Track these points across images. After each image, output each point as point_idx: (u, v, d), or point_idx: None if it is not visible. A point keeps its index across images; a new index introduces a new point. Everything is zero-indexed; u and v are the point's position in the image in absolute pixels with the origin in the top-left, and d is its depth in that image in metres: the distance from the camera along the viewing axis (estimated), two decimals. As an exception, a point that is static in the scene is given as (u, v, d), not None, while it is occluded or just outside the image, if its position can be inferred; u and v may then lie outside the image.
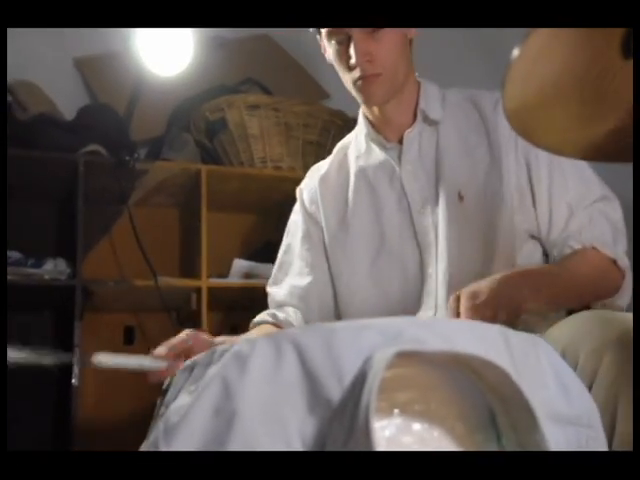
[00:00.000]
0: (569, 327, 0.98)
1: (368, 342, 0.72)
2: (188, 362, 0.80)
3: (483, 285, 1.08)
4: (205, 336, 1.16)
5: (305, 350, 0.72)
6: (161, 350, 1.10)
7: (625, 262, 1.26)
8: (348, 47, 1.25)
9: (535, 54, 0.62)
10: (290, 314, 1.39)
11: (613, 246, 1.26)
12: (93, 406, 2.03)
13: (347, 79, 1.29)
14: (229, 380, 0.72)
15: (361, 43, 1.24)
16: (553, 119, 0.74)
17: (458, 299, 1.07)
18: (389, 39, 1.25)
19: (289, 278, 1.44)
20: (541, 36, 0.60)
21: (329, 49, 1.31)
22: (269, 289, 1.48)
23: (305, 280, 1.41)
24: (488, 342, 0.77)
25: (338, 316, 1.43)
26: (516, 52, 0.62)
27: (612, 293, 1.24)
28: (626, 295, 1.27)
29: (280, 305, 1.43)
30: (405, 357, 0.69)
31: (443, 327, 0.76)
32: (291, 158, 2.20)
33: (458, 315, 1.05)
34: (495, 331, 0.81)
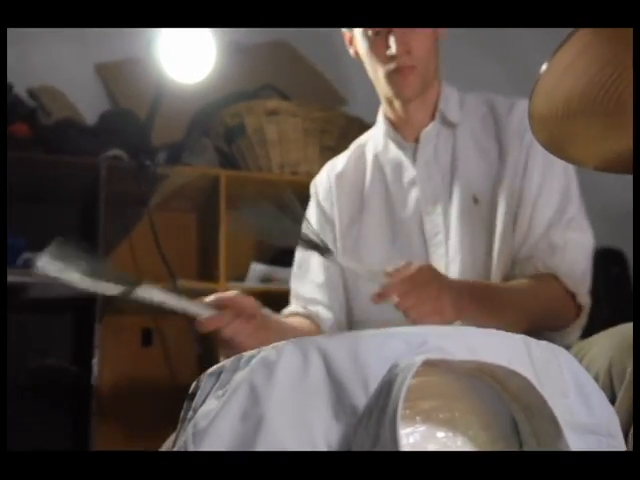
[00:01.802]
0: (614, 339, 0.97)
1: (393, 350, 0.73)
2: (214, 368, 0.81)
3: (440, 275, 1.13)
4: (252, 300, 1.17)
5: (331, 357, 0.74)
6: (212, 299, 1.10)
7: (585, 300, 1.26)
8: (386, 38, 1.26)
9: (562, 69, 0.63)
10: (320, 310, 1.39)
11: (579, 281, 1.25)
12: (111, 407, 2.05)
13: (380, 71, 1.30)
14: (256, 385, 0.74)
15: (401, 34, 1.25)
16: (578, 131, 0.75)
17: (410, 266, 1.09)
18: (425, 34, 1.28)
19: (310, 275, 1.45)
20: (568, 52, 0.62)
21: (362, 41, 1.31)
22: (292, 285, 1.48)
23: (321, 277, 1.42)
24: (511, 351, 0.78)
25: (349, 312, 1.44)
26: (544, 67, 0.64)
27: (562, 327, 1.25)
28: (575, 332, 1.28)
29: (308, 301, 1.43)
30: (429, 366, 0.71)
31: (466, 336, 0.77)
32: (308, 164, 2.22)
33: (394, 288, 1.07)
34: (518, 340, 0.82)
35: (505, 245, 1.28)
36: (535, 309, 1.20)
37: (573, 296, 1.24)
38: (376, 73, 1.32)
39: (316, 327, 1.37)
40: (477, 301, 1.12)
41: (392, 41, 1.25)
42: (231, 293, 1.13)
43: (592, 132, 0.72)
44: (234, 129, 2.20)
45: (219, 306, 1.09)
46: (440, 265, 1.29)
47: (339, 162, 1.50)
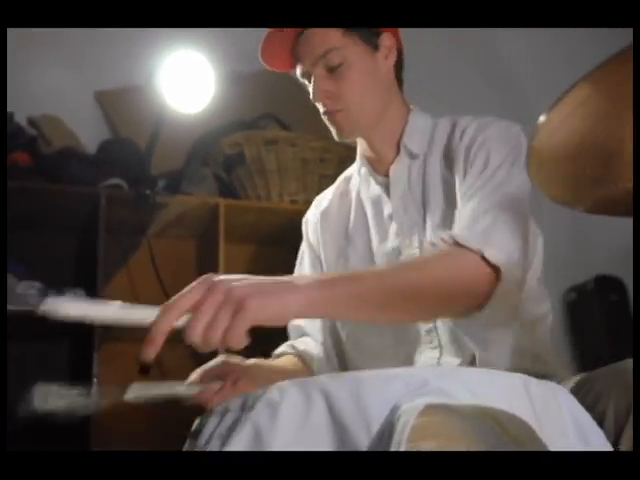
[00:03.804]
0: (615, 379, 0.98)
1: (394, 392, 0.74)
2: (219, 407, 0.82)
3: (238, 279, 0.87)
4: (236, 360, 1.19)
5: (334, 398, 0.75)
6: (194, 376, 1.13)
7: (497, 257, 1.03)
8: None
9: (559, 122, 0.65)
10: (310, 345, 1.39)
11: (487, 243, 1.05)
12: (108, 438, 2.04)
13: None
14: (260, 426, 0.75)
15: (319, 81, 1.26)
16: (570, 177, 0.77)
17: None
18: (350, 76, 1.26)
19: None
20: (566, 106, 0.63)
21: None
22: None
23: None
24: (511, 392, 0.80)
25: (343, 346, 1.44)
26: (542, 119, 0.66)
27: (471, 307, 1.05)
28: (495, 313, 1.05)
29: (300, 331, 1.43)
30: (430, 406, 0.72)
31: (467, 377, 0.78)
32: (307, 192, 2.24)
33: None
34: (517, 379, 0.83)
35: None
36: (418, 287, 0.99)
37: (482, 258, 1.03)
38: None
39: (306, 366, 1.36)
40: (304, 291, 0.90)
41: (310, 88, 1.28)
42: (215, 361, 1.16)
43: (586, 178, 0.74)
44: (233, 158, 2.21)
45: (205, 379, 1.13)
46: None
47: (325, 199, 1.51)
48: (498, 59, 2.79)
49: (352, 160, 2.30)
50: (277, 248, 2.37)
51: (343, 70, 1.26)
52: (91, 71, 2.38)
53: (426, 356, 1.27)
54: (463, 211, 1.17)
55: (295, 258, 1.60)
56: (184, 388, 1.10)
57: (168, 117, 2.03)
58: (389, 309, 0.98)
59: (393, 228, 1.34)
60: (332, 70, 1.27)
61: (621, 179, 0.74)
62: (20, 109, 2.15)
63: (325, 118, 1.32)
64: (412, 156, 1.33)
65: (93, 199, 2.00)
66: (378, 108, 1.31)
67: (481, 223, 1.09)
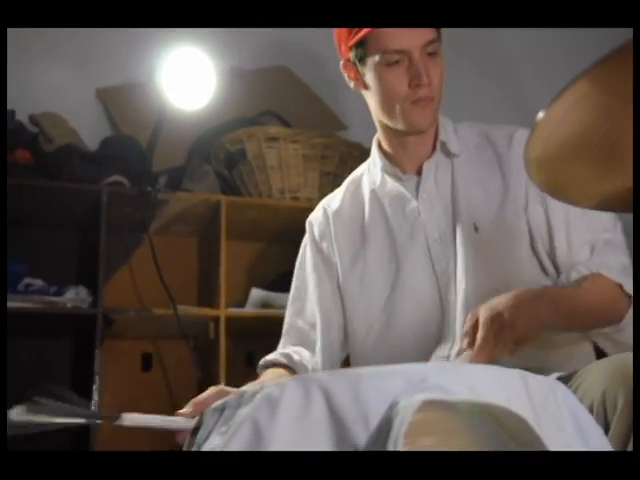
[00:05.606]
0: (607, 370, 0.98)
1: (393, 388, 0.75)
2: (218, 403, 0.83)
3: (501, 302, 1.12)
4: (230, 389, 1.15)
5: (333, 394, 0.75)
6: (186, 410, 1.07)
7: (632, 288, 1.24)
8: (407, 68, 1.25)
9: (559, 118, 0.65)
10: (304, 357, 1.38)
11: (621, 273, 1.25)
12: (111, 443, 2.04)
13: (396, 104, 1.28)
14: (260, 422, 0.75)
15: (425, 65, 1.25)
16: (572, 174, 0.77)
17: (475, 317, 1.11)
18: (439, 68, 1.28)
19: (301, 313, 1.45)
20: (566, 102, 0.63)
21: (375, 72, 1.28)
22: (287, 319, 1.47)
23: (315, 318, 1.41)
24: (509, 387, 0.80)
25: (347, 349, 1.44)
26: (540, 116, 0.66)
27: (615, 321, 1.25)
28: (628, 328, 1.26)
29: (301, 336, 1.43)
30: (429, 403, 0.72)
31: (465, 373, 0.79)
32: (309, 189, 2.24)
33: (476, 331, 1.09)
34: (515, 376, 0.83)
35: (520, 268, 1.29)
36: (596, 304, 1.24)
37: (620, 287, 1.24)
38: (389, 107, 1.29)
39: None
40: (549, 305, 1.15)
41: (422, 70, 1.25)
42: (207, 393, 1.11)
43: (588, 176, 0.74)
44: (235, 155, 2.21)
45: (199, 412, 1.02)
46: (450, 294, 1.30)
47: (335, 200, 1.48)
48: (497, 57, 2.79)
49: (352, 157, 2.31)
50: (279, 245, 2.37)
51: (436, 60, 1.28)
52: (92, 68, 2.38)
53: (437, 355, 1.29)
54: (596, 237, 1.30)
55: (296, 254, 1.59)
56: (177, 422, 1.03)
57: (169, 114, 2.03)
58: (575, 321, 1.23)
59: (419, 225, 1.35)
60: (430, 56, 1.27)
61: (623, 175, 0.73)
62: (21, 107, 2.15)
63: (408, 108, 1.28)
64: (447, 155, 1.36)
65: (94, 196, 2.00)
66: (440, 102, 1.33)
67: (620, 257, 1.29)
